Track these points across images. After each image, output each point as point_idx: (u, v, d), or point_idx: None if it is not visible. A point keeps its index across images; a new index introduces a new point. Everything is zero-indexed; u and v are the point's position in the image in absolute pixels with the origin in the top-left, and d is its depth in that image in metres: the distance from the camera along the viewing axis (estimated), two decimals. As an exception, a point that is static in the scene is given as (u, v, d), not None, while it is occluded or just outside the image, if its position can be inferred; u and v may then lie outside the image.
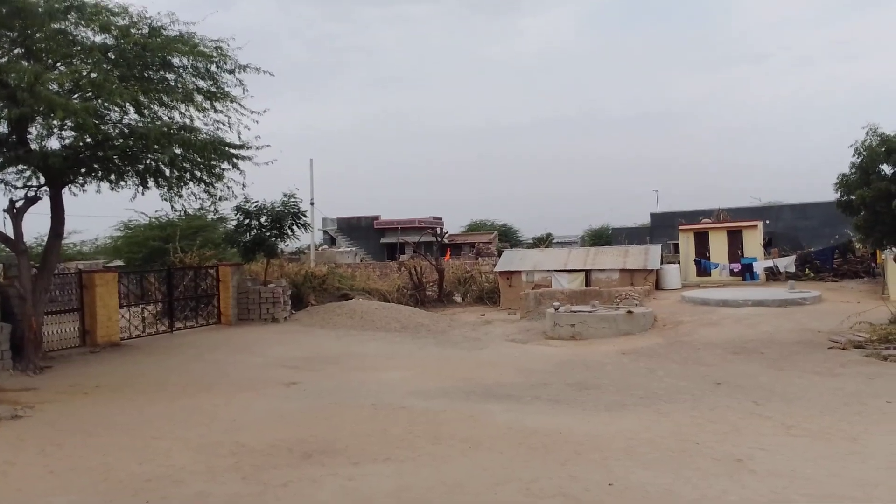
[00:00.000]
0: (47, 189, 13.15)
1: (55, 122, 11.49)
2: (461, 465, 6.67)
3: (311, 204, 36.36)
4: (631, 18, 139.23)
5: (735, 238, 25.96)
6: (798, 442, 7.34)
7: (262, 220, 19.25)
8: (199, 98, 12.97)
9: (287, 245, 22.33)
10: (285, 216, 19.32)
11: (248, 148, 14.08)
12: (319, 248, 46.05)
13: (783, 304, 17.65)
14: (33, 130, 12.58)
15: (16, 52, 11.80)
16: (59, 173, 12.64)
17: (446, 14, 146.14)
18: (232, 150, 13.94)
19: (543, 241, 41.86)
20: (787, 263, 25.00)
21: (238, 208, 19.07)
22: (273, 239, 19.45)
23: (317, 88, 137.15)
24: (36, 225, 12.81)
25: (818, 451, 6.98)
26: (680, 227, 27.66)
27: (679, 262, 26.17)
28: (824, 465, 6.47)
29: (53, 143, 12.72)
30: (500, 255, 31.73)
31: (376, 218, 55.92)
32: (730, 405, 9.14)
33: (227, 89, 13.32)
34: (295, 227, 19.74)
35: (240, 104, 13.44)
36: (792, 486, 5.89)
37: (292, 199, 19.51)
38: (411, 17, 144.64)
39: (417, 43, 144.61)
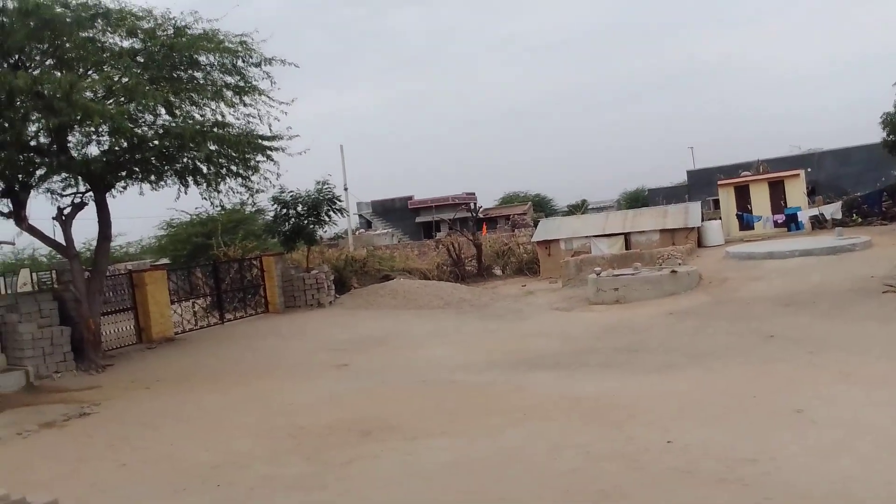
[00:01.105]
0: (92, 194, 13.52)
1: (92, 128, 11.78)
2: (516, 435, 6.73)
3: (345, 189, 36.63)
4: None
5: (777, 189, 25.31)
6: (857, 390, 7.21)
7: (299, 208, 19.47)
8: (228, 94, 13.12)
9: (325, 231, 22.55)
10: (321, 203, 19.50)
11: (280, 139, 14.24)
12: (356, 232, 46.45)
13: (832, 252, 17.18)
14: (72, 138, 12.92)
15: (48, 63, 12.10)
16: (102, 178, 12.98)
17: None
18: (265, 143, 14.10)
19: (579, 208, 41.42)
20: (833, 210, 24.32)
21: (275, 199, 19.33)
22: (311, 226, 19.67)
23: (340, 74, 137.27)
24: (83, 230, 13.33)
25: (878, 397, 6.85)
26: (719, 183, 27.07)
27: (720, 218, 25.67)
28: (886, 411, 6.36)
29: (92, 150, 13.08)
30: (536, 225, 31.55)
31: (410, 198, 55.97)
32: (784, 358, 9.01)
33: (254, 83, 13.43)
34: (331, 213, 19.92)
35: (268, 97, 13.56)
36: (854, 434, 5.81)
37: (326, 186, 19.69)
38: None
39: (438, 21, 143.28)
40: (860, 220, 23.20)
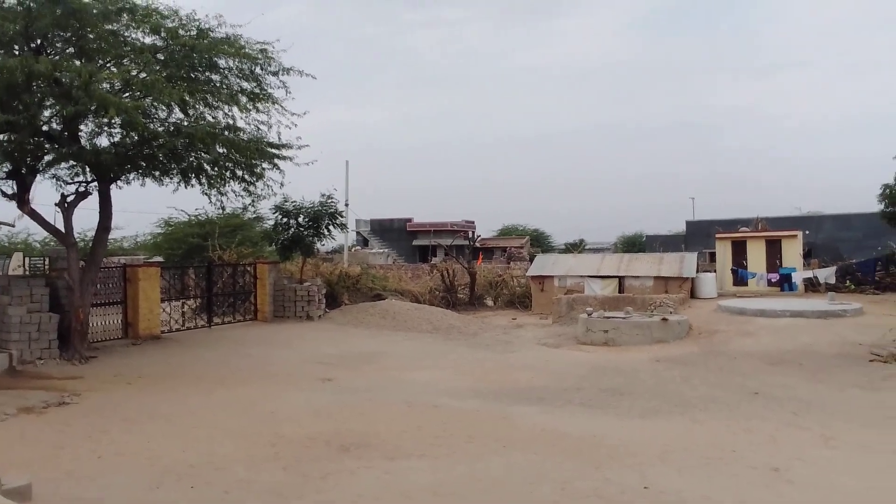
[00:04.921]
0: (97, 184, 13.58)
1: (106, 119, 11.88)
2: (495, 464, 6.74)
3: (346, 205, 36.71)
4: (672, 25, 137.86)
5: (774, 248, 25.50)
6: (837, 454, 7.24)
7: (300, 219, 19.57)
8: (242, 99, 13.24)
9: (323, 245, 22.63)
10: (323, 216, 19.61)
11: (289, 147, 14.35)
12: (352, 249, 46.46)
13: (823, 315, 17.29)
14: (84, 128, 13.00)
15: (69, 51, 12.23)
16: (109, 169, 13.04)
17: (483, 18, 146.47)
18: (273, 151, 14.21)
19: (576, 247, 41.50)
20: (827, 274, 24.45)
21: (277, 207, 19.44)
22: (310, 238, 19.75)
23: (354, 89, 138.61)
24: (79, 220, 13.31)
25: (858, 463, 6.89)
26: (717, 236, 27.27)
27: (715, 271, 25.80)
28: (864, 478, 6.39)
29: (103, 141, 13.16)
30: (531, 259, 31.64)
31: (409, 220, 56.18)
32: (767, 416, 9.04)
33: (270, 91, 13.58)
34: (332, 227, 20.03)
35: (281, 106, 13.69)
36: (830, 498, 5.84)
37: (330, 200, 19.81)
38: (448, 21, 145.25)
39: (454, 47, 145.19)
40: (853, 286, 23.35)
